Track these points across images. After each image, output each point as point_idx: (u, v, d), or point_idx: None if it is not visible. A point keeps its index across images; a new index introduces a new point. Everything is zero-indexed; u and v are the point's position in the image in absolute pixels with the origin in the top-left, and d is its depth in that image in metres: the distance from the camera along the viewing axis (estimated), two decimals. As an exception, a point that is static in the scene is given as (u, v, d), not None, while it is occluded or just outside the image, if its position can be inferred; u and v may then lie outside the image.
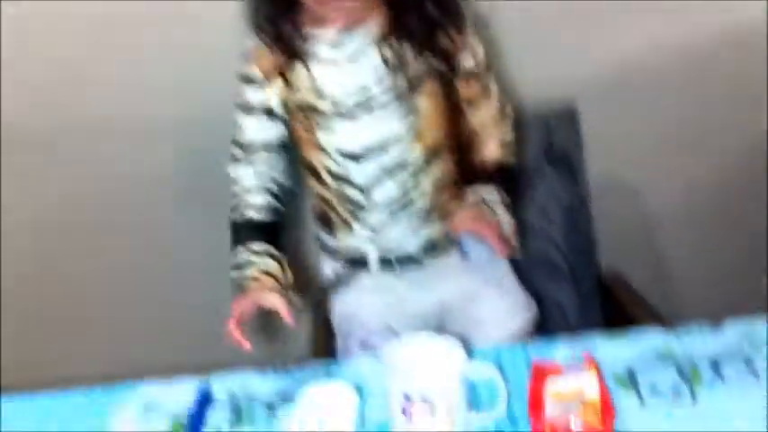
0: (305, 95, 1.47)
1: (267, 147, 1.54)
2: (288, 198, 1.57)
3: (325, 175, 1.52)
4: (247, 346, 1.35)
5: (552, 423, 1.18)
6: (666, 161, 2.14)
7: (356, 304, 1.62)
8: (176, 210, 2.10)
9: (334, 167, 1.50)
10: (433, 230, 1.54)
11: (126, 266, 2.19)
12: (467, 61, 1.49)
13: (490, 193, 1.50)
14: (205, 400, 1.37)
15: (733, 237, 2.22)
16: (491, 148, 1.55)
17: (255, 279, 1.44)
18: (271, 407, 1.34)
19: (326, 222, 1.59)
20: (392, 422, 1.21)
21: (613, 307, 2.00)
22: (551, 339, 1.44)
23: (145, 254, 2.17)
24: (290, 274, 1.49)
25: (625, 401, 1.25)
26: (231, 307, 1.40)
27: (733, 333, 1.38)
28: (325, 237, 1.62)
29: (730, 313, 1.42)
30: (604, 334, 1.43)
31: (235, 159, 1.55)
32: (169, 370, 1.49)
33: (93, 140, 1.98)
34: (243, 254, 1.48)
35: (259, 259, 1.47)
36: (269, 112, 1.52)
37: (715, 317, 1.42)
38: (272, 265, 1.47)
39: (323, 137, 1.48)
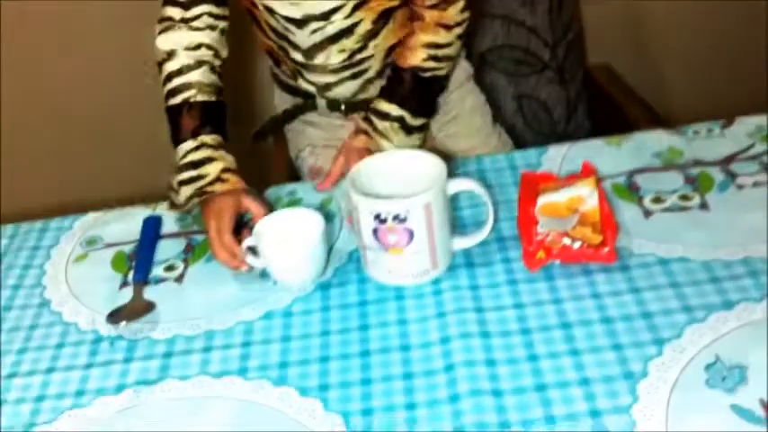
0: None
1: None
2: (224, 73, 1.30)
3: (267, 31, 1.32)
4: (245, 267, 1.10)
5: (545, 242, 1.04)
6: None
7: (308, 137, 1.48)
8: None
9: (275, 26, 1.30)
10: (385, 80, 1.34)
11: (72, 96, 2.01)
12: None
13: (385, 118, 1.26)
14: (154, 233, 1.21)
15: (739, 24, 2.04)
16: (417, 54, 1.26)
17: (222, 180, 1.17)
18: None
19: (276, 62, 1.41)
20: (362, 248, 1.06)
21: (602, 102, 1.86)
22: (540, 148, 1.28)
23: (89, 82, 2.00)
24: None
25: (627, 214, 1.10)
26: (206, 222, 1.14)
27: (744, 131, 1.23)
28: (275, 69, 1.45)
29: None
30: (600, 139, 1.27)
31: (167, 25, 1.25)
32: (115, 202, 1.34)
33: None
34: (195, 151, 1.19)
35: (217, 154, 1.20)
36: None
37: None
38: (230, 160, 1.21)
39: None
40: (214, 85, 1.25)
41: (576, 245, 1.03)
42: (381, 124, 1.26)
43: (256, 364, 0.98)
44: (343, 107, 1.39)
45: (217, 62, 1.27)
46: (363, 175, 1.07)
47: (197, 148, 1.19)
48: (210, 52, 1.25)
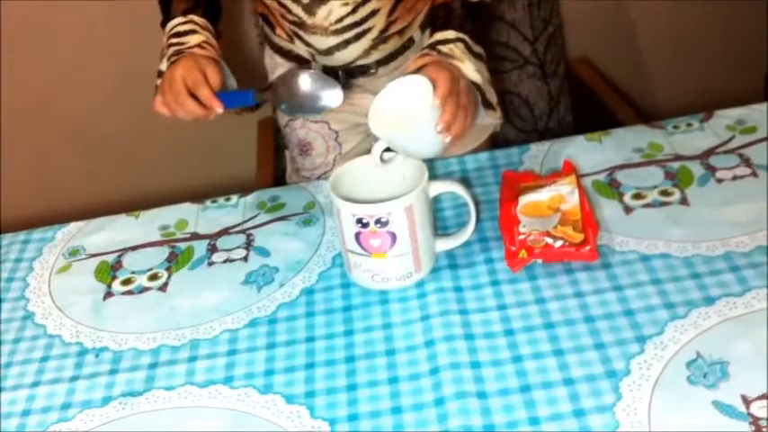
0: None
1: None
2: None
3: None
4: (216, 111, 1.14)
5: (527, 241, 1.04)
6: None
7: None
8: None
9: None
10: (389, 45, 1.32)
11: (58, 100, 1.99)
12: None
13: (445, 42, 1.17)
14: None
15: (725, 17, 2.05)
16: None
17: (202, 47, 1.20)
18: (211, 244, 1.19)
19: (269, 24, 1.38)
20: (345, 253, 1.06)
21: (583, 96, 1.87)
22: (522, 146, 1.28)
23: (76, 86, 1.97)
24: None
25: (608, 211, 1.11)
26: (169, 73, 1.16)
27: (723, 124, 1.23)
28: (267, 31, 1.41)
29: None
30: (581, 135, 1.28)
31: None
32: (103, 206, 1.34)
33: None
34: (183, 24, 1.24)
35: (202, 31, 1.23)
36: None
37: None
38: (216, 44, 1.24)
39: None
40: None
41: (558, 244, 1.03)
42: (445, 47, 1.16)
43: (242, 372, 0.98)
44: (340, 73, 1.33)
45: None
46: (344, 178, 1.07)
47: (185, 23, 1.23)
48: None
